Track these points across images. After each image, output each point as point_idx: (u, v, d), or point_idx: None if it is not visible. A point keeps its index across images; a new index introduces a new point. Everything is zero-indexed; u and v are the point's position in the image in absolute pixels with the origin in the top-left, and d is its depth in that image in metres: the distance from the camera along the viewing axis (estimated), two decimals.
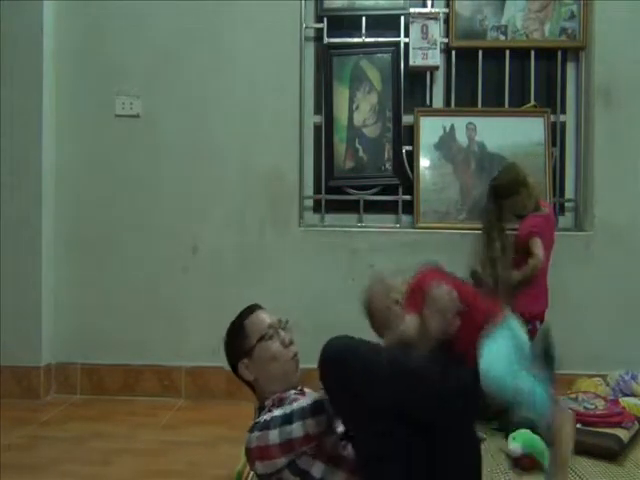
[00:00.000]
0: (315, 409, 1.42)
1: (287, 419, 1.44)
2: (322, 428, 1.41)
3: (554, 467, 1.35)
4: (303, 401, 1.48)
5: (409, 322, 1.44)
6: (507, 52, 2.77)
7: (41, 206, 2.64)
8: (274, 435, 1.44)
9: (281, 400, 1.58)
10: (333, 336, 1.39)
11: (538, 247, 2.25)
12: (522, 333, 1.46)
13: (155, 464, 1.94)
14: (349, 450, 1.48)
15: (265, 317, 1.70)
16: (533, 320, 2.27)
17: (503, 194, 2.32)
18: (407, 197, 2.76)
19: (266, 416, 1.50)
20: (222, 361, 2.64)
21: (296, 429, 1.42)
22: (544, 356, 1.42)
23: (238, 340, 1.69)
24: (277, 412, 1.49)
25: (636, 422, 2.13)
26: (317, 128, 2.83)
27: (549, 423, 1.34)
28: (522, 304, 2.17)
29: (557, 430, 1.34)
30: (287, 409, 1.48)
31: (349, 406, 1.36)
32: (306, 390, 1.67)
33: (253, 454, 1.48)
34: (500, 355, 1.37)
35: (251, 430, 1.48)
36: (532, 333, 2.23)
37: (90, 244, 2.72)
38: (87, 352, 2.70)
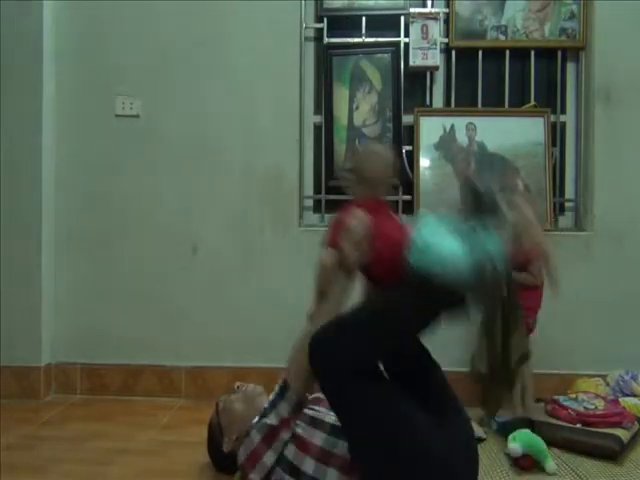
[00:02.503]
0: (281, 393, 1.55)
1: (263, 414, 1.56)
2: (294, 408, 1.52)
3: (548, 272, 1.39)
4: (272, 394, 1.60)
5: (326, 255, 1.55)
6: (507, 52, 2.77)
7: (41, 206, 2.64)
8: (254, 435, 1.53)
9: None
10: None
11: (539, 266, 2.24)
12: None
13: (155, 464, 1.94)
14: (340, 447, 1.52)
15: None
16: (529, 311, 2.29)
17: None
18: (407, 197, 2.76)
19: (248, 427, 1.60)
20: (222, 361, 2.66)
21: (271, 418, 1.53)
22: (478, 207, 1.39)
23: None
24: (255, 419, 1.60)
25: (636, 422, 2.13)
26: (317, 128, 2.83)
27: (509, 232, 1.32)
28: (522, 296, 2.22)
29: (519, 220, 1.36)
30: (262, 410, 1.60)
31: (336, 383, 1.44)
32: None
33: (246, 467, 1.54)
34: (432, 233, 1.38)
35: (239, 447, 1.59)
36: (526, 324, 2.28)
37: (90, 244, 2.72)
38: (87, 352, 2.70)
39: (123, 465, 1.93)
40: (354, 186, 1.62)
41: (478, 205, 1.39)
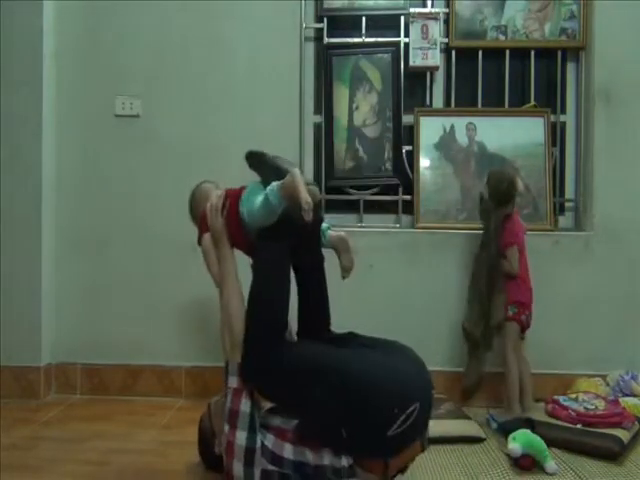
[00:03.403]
0: (225, 368, 1.67)
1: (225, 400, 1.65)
2: (236, 374, 1.62)
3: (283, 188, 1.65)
4: None
5: (205, 239, 1.84)
6: (507, 52, 2.77)
7: (41, 206, 2.64)
8: (224, 425, 1.59)
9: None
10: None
11: (515, 257, 2.31)
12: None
13: (155, 464, 1.94)
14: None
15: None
16: (522, 307, 2.32)
17: (502, 200, 2.34)
18: (407, 197, 2.76)
19: None
20: (222, 361, 2.64)
21: (227, 400, 1.61)
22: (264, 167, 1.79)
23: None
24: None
25: (636, 422, 2.13)
26: (317, 128, 2.83)
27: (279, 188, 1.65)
28: (511, 292, 2.33)
29: (288, 183, 1.64)
30: None
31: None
32: None
33: (227, 460, 1.57)
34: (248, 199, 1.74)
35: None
36: (519, 320, 2.30)
37: (90, 244, 2.72)
38: (87, 352, 2.70)
39: (123, 465, 1.93)
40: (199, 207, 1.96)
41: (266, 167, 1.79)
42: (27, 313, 2.63)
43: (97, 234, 2.72)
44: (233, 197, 1.80)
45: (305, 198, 1.57)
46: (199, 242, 1.88)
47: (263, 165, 1.80)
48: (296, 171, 1.64)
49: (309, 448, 1.51)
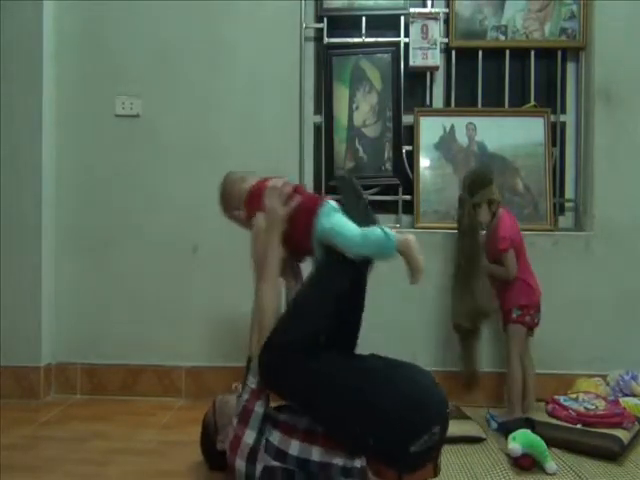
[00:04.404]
0: (247, 366, 1.63)
1: (239, 395, 1.63)
2: (257, 375, 1.59)
3: (413, 272, 1.62)
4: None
5: (258, 217, 1.75)
6: (507, 52, 2.77)
7: (41, 206, 2.64)
8: (234, 420, 1.60)
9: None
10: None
11: (512, 261, 2.31)
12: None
13: (155, 464, 1.94)
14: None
15: None
16: (526, 309, 2.32)
17: (472, 189, 2.36)
18: (407, 197, 2.76)
19: None
20: (222, 361, 2.65)
21: (243, 395, 1.60)
22: (357, 202, 1.79)
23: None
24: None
25: (636, 423, 2.13)
26: (317, 128, 2.83)
27: (395, 243, 1.62)
28: (510, 299, 2.34)
29: (404, 242, 1.61)
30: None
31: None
32: None
33: (231, 456, 1.57)
34: (336, 220, 1.69)
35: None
36: (524, 322, 2.31)
37: (90, 243, 2.72)
38: (87, 352, 2.70)
39: (123, 465, 1.93)
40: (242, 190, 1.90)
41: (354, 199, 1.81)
42: (27, 313, 2.63)
43: (97, 234, 2.72)
44: (309, 201, 1.75)
45: (421, 268, 1.60)
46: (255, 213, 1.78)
47: (351, 195, 1.80)
48: (412, 238, 1.63)
49: (319, 445, 1.52)
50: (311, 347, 1.55)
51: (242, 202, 1.86)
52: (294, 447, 1.53)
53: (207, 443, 1.82)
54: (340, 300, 1.63)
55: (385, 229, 1.63)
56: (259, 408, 1.58)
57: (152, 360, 2.68)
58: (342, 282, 1.65)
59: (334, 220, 1.69)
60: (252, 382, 1.60)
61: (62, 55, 2.72)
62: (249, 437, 1.55)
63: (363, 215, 1.73)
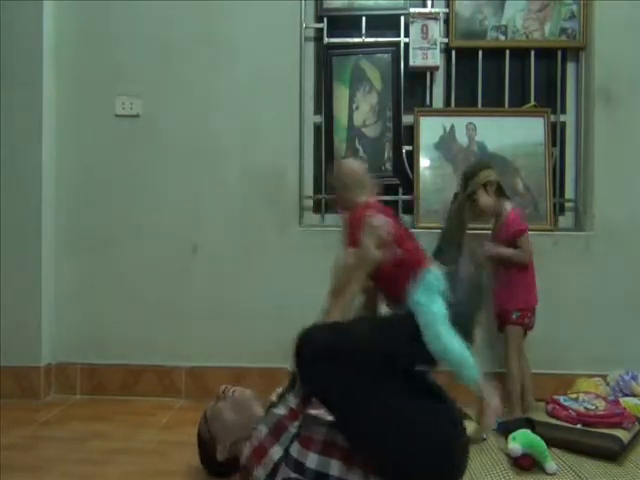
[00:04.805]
0: (291, 384, 1.56)
1: (271, 405, 1.59)
2: (300, 397, 1.53)
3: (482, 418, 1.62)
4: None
5: (348, 254, 1.62)
6: (507, 52, 2.77)
7: (41, 206, 2.64)
8: (262, 428, 1.55)
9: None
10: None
11: (529, 243, 2.30)
12: (442, 285, 1.64)
13: (155, 464, 1.94)
14: (341, 439, 1.53)
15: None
16: (525, 311, 2.32)
17: (464, 180, 2.37)
18: (407, 197, 2.76)
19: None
20: (222, 361, 2.65)
21: (279, 408, 1.55)
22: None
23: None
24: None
25: (636, 423, 2.13)
26: (317, 128, 2.83)
27: (479, 388, 1.59)
28: (511, 300, 2.32)
29: (484, 387, 1.59)
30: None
31: (331, 381, 1.47)
32: None
33: (250, 462, 1.53)
34: (438, 318, 1.58)
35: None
36: (523, 324, 2.30)
37: (90, 244, 2.72)
38: (87, 352, 2.70)
39: (123, 465, 1.93)
40: (346, 196, 1.77)
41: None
42: (27, 313, 2.63)
43: (97, 234, 2.72)
44: (411, 259, 1.63)
45: (491, 423, 1.64)
46: (349, 245, 1.66)
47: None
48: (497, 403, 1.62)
49: (338, 459, 1.51)
50: (367, 360, 1.50)
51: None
52: (312, 459, 1.50)
53: (206, 455, 1.80)
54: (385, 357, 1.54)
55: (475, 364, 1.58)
56: (293, 428, 1.54)
57: (152, 360, 2.68)
58: (397, 346, 1.57)
59: (435, 309, 1.59)
60: (293, 402, 1.56)
61: (62, 55, 2.72)
62: (276, 453, 1.52)
63: (471, 295, 1.67)
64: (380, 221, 1.62)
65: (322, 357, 1.46)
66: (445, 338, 1.57)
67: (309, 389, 1.53)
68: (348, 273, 1.62)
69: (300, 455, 1.51)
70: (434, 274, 1.64)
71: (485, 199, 2.32)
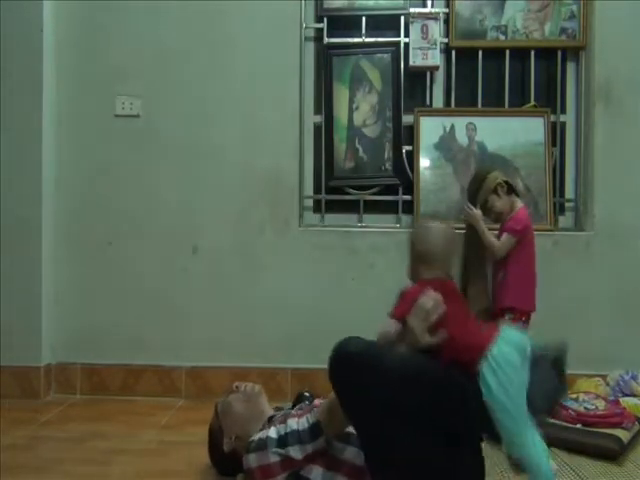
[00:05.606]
0: (312, 433, 1.44)
1: (282, 442, 1.46)
2: (320, 448, 1.44)
3: None
4: (299, 422, 1.48)
5: (387, 325, 1.41)
6: (507, 52, 2.77)
7: (41, 206, 2.64)
8: (273, 455, 1.47)
9: (270, 419, 1.63)
10: (345, 338, 1.39)
11: (508, 244, 2.24)
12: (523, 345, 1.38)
13: (155, 464, 1.94)
14: (348, 453, 1.50)
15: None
16: (518, 314, 2.28)
17: (474, 190, 2.34)
18: (407, 197, 2.76)
19: (261, 434, 1.53)
20: (222, 361, 2.65)
21: (294, 451, 1.45)
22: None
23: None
24: (272, 431, 1.50)
25: (636, 423, 2.13)
26: (317, 128, 2.83)
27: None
28: (508, 297, 2.26)
29: None
30: (281, 430, 1.49)
31: (359, 406, 1.34)
32: (316, 401, 1.71)
33: (256, 475, 1.50)
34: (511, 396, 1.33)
35: (247, 450, 1.52)
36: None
37: (90, 244, 2.72)
38: (87, 352, 2.70)
39: (123, 465, 1.93)
40: (414, 265, 1.53)
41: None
42: (27, 313, 2.63)
43: (97, 234, 2.72)
44: (465, 333, 1.39)
45: None
46: (392, 316, 1.43)
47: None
48: None
49: (343, 474, 1.47)
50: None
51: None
52: (316, 474, 1.47)
53: (215, 449, 1.80)
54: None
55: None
56: (302, 471, 1.49)
57: (152, 360, 2.68)
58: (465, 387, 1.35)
59: (509, 406, 1.34)
60: (311, 449, 1.45)
61: (62, 55, 2.72)
62: (282, 477, 1.47)
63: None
64: (431, 303, 1.39)
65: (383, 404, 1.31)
66: (521, 443, 1.41)
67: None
68: (386, 344, 1.41)
69: (304, 469, 1.48)
70: (506, 348, 1.35)
71: (499, 203, 2.28)
